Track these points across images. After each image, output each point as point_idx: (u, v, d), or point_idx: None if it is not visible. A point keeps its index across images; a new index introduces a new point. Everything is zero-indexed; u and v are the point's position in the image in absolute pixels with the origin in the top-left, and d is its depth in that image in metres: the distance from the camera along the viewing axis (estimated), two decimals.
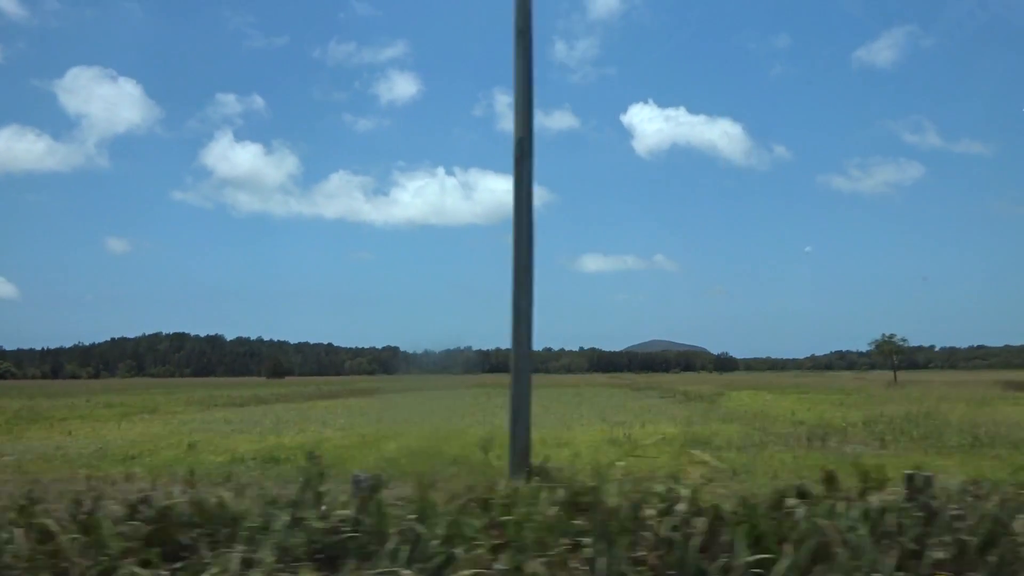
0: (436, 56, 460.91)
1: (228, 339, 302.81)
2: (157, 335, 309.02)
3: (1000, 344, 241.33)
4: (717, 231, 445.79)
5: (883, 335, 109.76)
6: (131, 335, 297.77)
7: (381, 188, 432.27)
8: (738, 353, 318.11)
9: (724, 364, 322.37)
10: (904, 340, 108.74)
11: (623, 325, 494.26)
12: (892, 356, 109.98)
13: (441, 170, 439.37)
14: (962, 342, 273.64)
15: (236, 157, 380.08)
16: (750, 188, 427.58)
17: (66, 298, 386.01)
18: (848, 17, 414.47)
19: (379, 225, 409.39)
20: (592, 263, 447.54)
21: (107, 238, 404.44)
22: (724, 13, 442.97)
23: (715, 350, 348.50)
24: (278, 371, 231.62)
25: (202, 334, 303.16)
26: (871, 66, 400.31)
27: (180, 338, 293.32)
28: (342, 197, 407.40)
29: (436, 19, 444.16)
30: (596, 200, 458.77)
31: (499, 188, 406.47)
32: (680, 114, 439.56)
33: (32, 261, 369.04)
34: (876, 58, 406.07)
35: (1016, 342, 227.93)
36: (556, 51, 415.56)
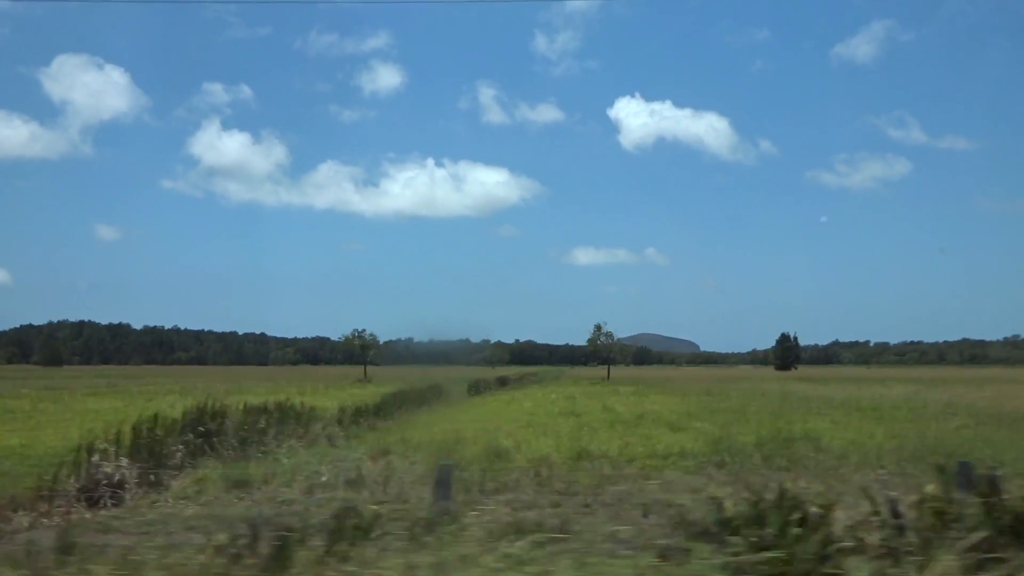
0: (419, 48, 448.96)
1: (136, 328, 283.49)
2: (63, 322, 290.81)
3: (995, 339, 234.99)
4: (707, 225, 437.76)
5: (354, 330, 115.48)
6: (38, 323, 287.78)
7: (371, 179, 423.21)
8: (713, 347, 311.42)
9: (642, 357, 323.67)
10: (373, 335, 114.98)
11: (612, 318, 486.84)
12: (362, 351, 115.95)
13: (431, 161, 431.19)
14: (943, 337, 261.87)
15: (224, 146, 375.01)
16: (738, 183, 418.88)
17: (51, 283, 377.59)
18: (826, 12, 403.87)
19: (369, 216, 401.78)
20: (584, 256, 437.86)
21: (97, 225, 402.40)
22: (700, 5, 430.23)
23: (703, 343, 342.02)
24: (53, 359, 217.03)
25: (104, 322, 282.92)
26: (851, 61, 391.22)
27: (80, 326, 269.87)
28: (332, 187, 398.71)
29: (417, 11, 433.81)
30: (586, 193, 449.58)
31: (489, 180, 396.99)
32: (666, 108, 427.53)
33: (22, 247, 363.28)
34: (856, 53, 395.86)
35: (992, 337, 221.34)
36: (537, 44, 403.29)
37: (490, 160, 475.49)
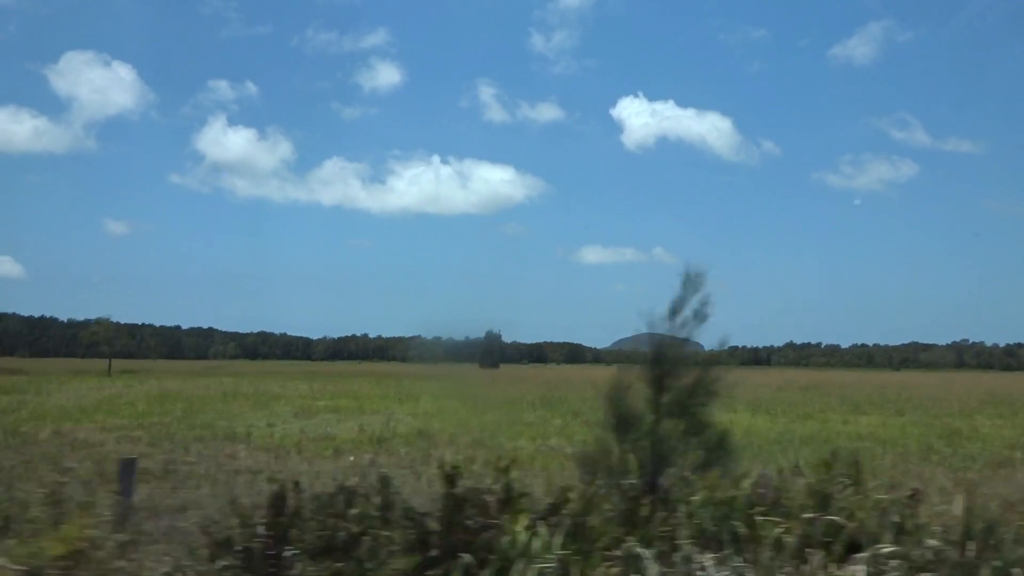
0: (417, 46, 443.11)
1: (61, 320, 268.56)
2: None
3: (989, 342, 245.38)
4: (714, 225, 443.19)
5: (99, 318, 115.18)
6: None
7: (377, 176, 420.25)
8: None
9: (576, 355, 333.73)
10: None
11: (620, 317, 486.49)
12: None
13: (436, 159, 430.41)
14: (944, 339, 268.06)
15: (230, 142, 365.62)
16: (743, 183, 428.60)
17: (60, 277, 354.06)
18: (823, 12, 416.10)
19: (376, 213, 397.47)
20: (592, 255, 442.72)
21: (105, 220, 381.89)
22: (694, 3, 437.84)
23: (706, 344, 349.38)
24: None
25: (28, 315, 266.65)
26: (849, 62, 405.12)
27: (1, 317, 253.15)
28: (338, 184, 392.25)
29: (415, 8, 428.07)
30: (592, 192, 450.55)
31: (494, 178, 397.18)
32: (668, 108, 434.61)
33: (31, 240, 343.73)
34: (854, 53, 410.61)
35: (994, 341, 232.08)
36: (533, 42, 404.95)
37: (495, 158, 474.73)
